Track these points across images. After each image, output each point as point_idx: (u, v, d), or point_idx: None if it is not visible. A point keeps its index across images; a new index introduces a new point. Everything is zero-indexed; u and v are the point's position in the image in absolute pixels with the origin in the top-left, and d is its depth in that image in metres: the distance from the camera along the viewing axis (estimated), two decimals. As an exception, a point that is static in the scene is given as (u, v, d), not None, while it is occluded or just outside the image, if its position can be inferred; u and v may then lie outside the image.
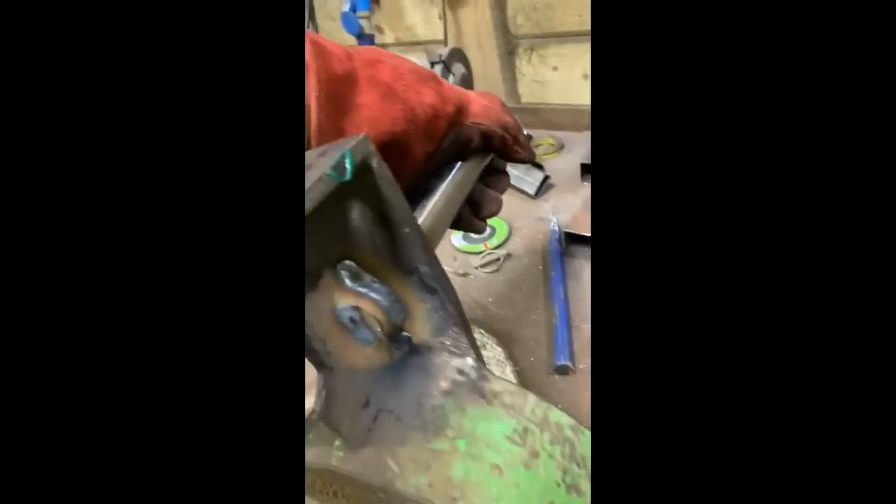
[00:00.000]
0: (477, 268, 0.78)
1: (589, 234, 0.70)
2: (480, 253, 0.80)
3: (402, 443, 0.25)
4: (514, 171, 0.92)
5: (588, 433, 0.27)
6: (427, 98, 0.34)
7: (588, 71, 1.13)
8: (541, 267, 0.75)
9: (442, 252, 0.83)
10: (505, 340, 0.64)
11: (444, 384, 0.27)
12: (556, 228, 0.78)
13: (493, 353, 0.62)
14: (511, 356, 0.62)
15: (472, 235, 0.84)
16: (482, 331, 0.65)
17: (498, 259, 0.78)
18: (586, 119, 1.10)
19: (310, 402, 0.53)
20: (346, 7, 1.32)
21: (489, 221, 0.85)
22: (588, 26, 1.08)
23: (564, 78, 1.18)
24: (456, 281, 0.77)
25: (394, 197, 0.25)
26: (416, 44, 1.62)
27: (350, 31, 1.35)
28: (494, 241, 0.82)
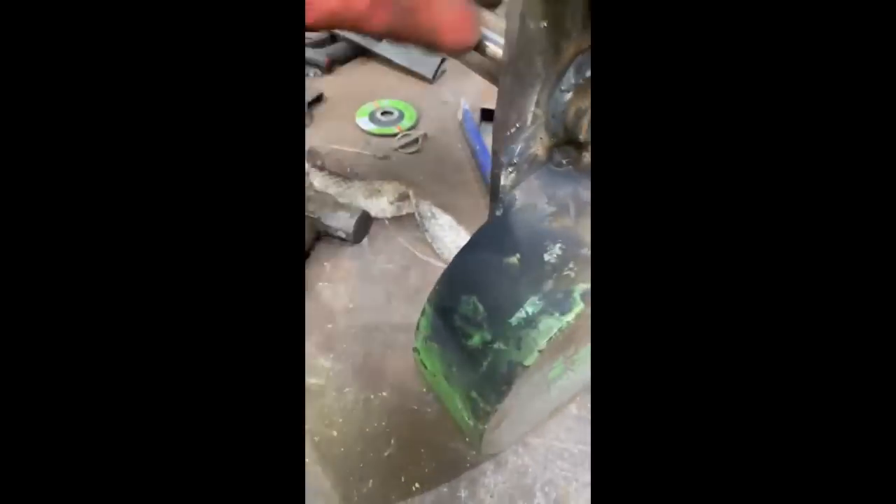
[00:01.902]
0: (396, 150, 0.78)
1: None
2: (395, 135, 0.80)
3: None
4: (410, 55, 0.91)
5: None
6: None
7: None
8: (460, 145, 0.79)
9: (352, 135, 0.80)
10: (450, 210, 0.68)
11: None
12: (467, 108, 0.81)
13: (443, 220, 0.66)
14: (460, 222, 0.67)
15: (380, 118, 0.82)
16: (430, 202, 0.68)
17: (416, 140, 0.79)
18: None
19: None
20: None
21: (395, 104, 0.84)
22: None
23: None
24: (376, 164, 0.77)
25: None
26: None
27: None
28: (406, 123, 0.82)
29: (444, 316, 0.34)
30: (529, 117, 0.29)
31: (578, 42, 0.27)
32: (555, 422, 0.49)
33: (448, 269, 0.34)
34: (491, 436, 0.37)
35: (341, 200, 0.68)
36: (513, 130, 0.28)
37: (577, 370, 0.41)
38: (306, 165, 0.74)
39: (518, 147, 0.30)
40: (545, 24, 0.24)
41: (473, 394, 0.32)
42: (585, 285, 0.29)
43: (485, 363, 0.31)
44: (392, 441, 0.48)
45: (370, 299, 0.60)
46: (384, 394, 0.51)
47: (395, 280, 0.62)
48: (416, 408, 0.50)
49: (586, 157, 0.32)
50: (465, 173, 0.75)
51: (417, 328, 0.36)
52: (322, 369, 0.53)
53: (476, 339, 0.31)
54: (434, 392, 0.41)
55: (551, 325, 0.29)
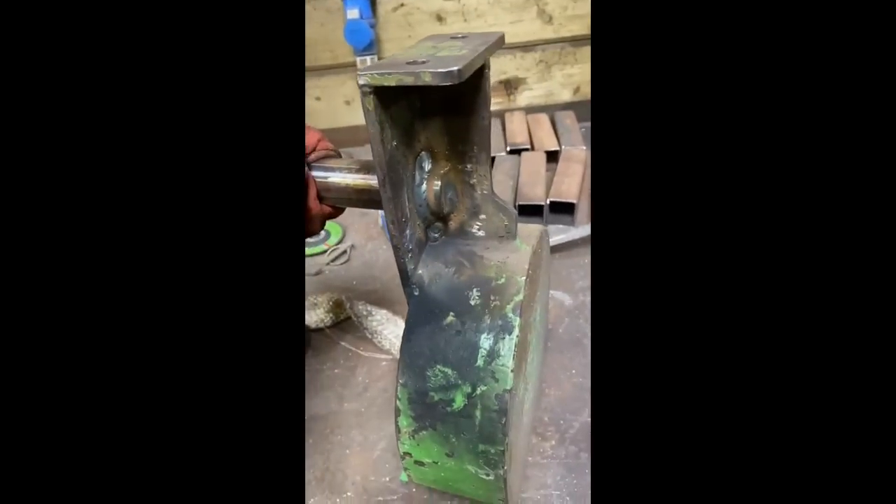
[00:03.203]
0: (328, 264, 0.83)
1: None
2: (325, 252, 0.85)
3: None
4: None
5: None
6: None
7: (349, 97, 1.27)
8: (385, 246, 0.85)
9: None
10: (384, 305, 0.72)
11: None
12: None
13: (379, 314, 0.70)
14: (396, 313, 0.70)
15: (309, 240, 0.88)
16: (364, 302, 0.71)
17: (345, 251, 0.84)
18: (361, 133, 1.24)
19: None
20: (355, 13, 1.08)
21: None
22: (340, 60, 1.23)
23: (328, 106, 1.30)
24: (311, 281, 0.81)
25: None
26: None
27: (359, 45, 1.10)
28: (333, 240, 0.88)
29: (420, 400, 0.35)
30: (408, 211, 0.36)
31: (414, 150, 0.36)
32: (539, 469, 0.50)
33: (400, 359, 0.36)
34: (511, 481, 0.37)
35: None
36: (403, 224, 0.36)
37: (529, 390, 0.43)
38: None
39: (408, 235, 0.37)
40: (395, 143, 0.33)
41: (481, 447, 0.34)
42: (511, 303, 0.34)
43: (477, 412, 0.33)
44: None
45: (323, 407, 0.60)
46: (349, 494, 0.50)
47: (344, 383, 0.63)
48: (381, 499, 0.49)
49: (452, 223, 0.39)
50: (392, 269, 0.79)
51: (398, 430, 0.37)
52: (283, 487, 0.52)
53: (459, 399, 0.34)
54: (438, 488, 0.41)
55: (509, 346, 0.33)
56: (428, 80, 0.26)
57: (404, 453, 0.38)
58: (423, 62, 0.28)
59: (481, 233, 0.39)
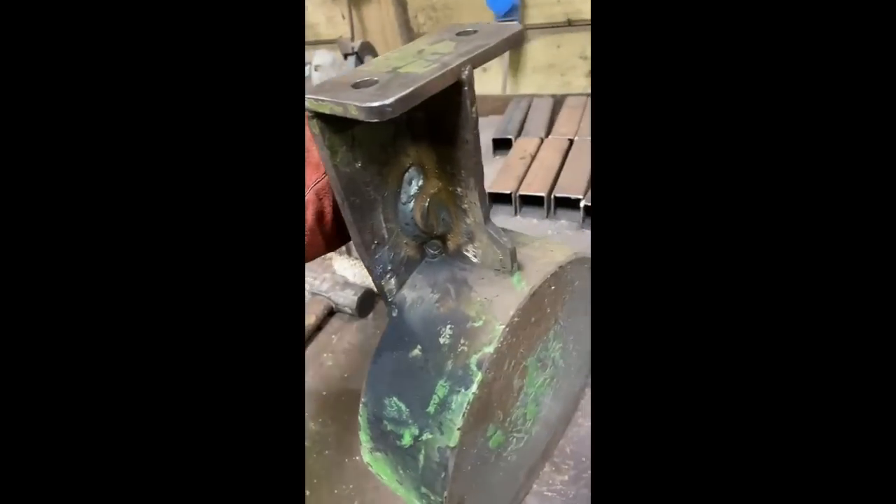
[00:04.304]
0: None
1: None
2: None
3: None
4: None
5: None
6: None
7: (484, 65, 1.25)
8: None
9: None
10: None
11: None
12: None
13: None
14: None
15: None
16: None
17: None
18: (492, 104, 1.22)
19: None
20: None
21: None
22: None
23: (464, 70, 1.29)
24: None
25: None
26: (318, 42, 1.63)
27: (500, 10, 1.17)
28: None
29: (376, 424, 0.35)
30: (385, 233, 0.33)
31: (400, 166, 0.32)
32: (539, 499, 0.49)
33: (367, 379, 0.35)
34: None
35: (356, 280, 0.76)
36: (374, 247, 0.33)
37: (526, 430, 0.40)
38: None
39: (386, 257, 0.34)
40: (360, 164, 0.29)
41: (423, 489, 0.33)
42: (478, 354, 0.31)
43: (420, 457, 0.32)
44: (356, 503, 0.51)
45: (365, 369, 0.65)
46: (357, 458, 0.55)
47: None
48: (381, 473, 0.53)
49: (450, 243, 0.36)
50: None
51: (361, 443, 0.37)
52: (309, 433, 0.58)
53: (406, 438, 0.33)
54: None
55: (461, 402, 0.30)
56: (354, 114, 0.23)
57: (367, 462, 0.38)
58: (374, 82, 0.24)
59: (477, 259, 0.35)
